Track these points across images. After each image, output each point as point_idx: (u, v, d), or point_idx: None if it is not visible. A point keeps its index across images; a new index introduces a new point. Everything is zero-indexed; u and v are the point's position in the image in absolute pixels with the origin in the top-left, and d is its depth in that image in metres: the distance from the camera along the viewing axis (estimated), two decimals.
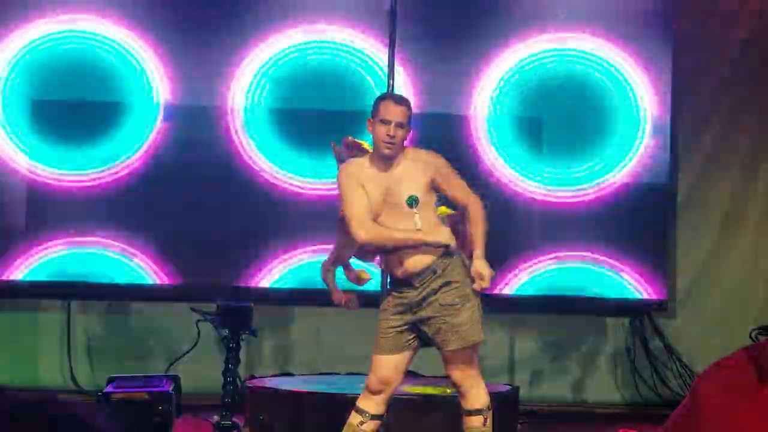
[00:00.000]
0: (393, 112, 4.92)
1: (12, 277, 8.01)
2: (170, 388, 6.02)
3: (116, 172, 8.09)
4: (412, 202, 4.87)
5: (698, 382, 1.58)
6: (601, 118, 8.31)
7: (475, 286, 4.91)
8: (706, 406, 1.58)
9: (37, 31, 8.07)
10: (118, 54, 8.12)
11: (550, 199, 8.22)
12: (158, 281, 8.08)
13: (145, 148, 8.10)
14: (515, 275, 8.17)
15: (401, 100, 5.07)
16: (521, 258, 8.19)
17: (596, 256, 8.21)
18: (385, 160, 4.94)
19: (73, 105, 8.10)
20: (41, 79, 8.10)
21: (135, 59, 8.12)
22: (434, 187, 4.97)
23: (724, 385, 1.62)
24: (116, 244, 8.05)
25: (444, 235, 4.90)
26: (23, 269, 8.02)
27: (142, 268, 8.09)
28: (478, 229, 4.99)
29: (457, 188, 5.02)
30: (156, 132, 8.10)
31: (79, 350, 8.24)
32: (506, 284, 8.14)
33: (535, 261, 8.21)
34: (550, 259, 8.20)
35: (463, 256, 4.98)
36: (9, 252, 8.03)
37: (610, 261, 8.22)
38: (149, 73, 8.12)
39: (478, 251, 4.96)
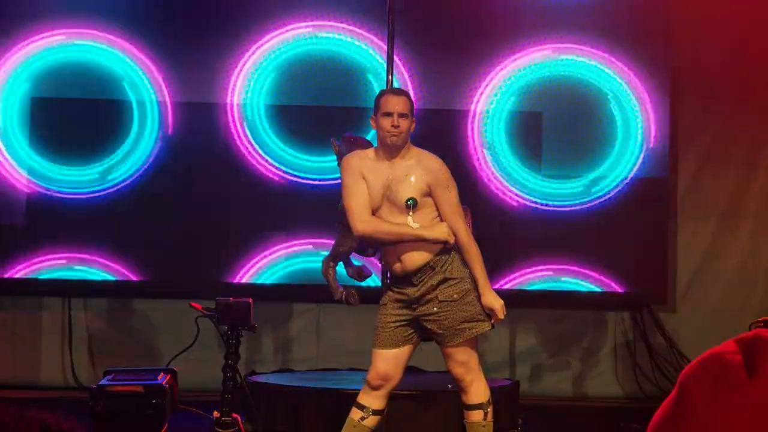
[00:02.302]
0: (394, 103, 4.90)
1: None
2: (165, 382, 5.99)
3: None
4: (410, 204, 4.85)
5: (686, 373, 1.57)
6: (600, 114, 8.29)
7: (493, 321, 4.90)
8: (693, 398, 1.57)
9: (34, 35, 8.08)
10: (117, 54, 8.13)
11: (547, 195, 8.23)
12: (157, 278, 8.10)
13: (144, 152, 8.10)
14: (516, 275, 8.20)
15: (400, 92, 5.08)
16: (519, 256, 8.19)
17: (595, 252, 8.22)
18: (390, 152, 4.91)
19: (74, 106, 8.12)
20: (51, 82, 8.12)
21: (136, 56, 8.12)
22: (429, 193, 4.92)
23: (711, 376, 1.61)
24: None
25: (443, 232, 4.87)
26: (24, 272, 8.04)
27: (142, 265, 8.11)
28: (474, 263, 4.90)
29: (448, 207, 4.90)
30: (156, 131, 8.11)
31: (80, 347, 8.24)
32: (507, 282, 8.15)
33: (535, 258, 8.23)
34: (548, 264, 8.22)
35: (461, 252, 4.96)
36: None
37: (610, 254, 8.23)
38: (148, 72, 8.12)
39: (481, 285, 4.90)
